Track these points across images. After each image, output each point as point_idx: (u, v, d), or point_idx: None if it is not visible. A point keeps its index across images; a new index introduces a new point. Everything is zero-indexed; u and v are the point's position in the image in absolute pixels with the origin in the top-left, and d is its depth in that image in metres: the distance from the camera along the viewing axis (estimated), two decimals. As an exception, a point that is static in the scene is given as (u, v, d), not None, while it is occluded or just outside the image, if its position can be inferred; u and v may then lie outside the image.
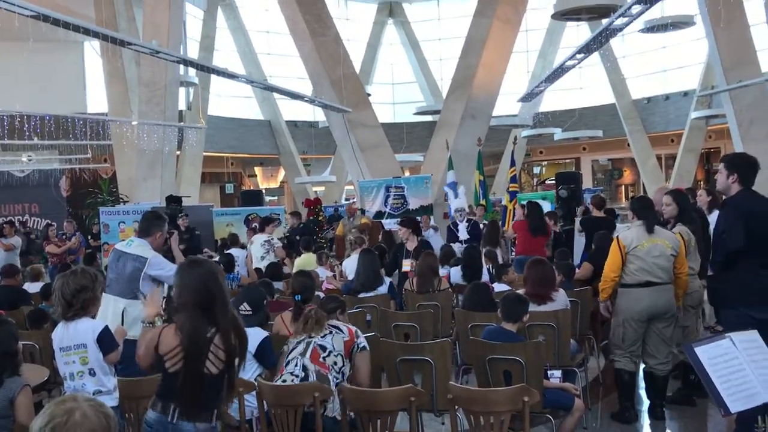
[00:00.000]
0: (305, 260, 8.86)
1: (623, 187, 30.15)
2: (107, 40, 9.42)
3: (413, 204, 13.72)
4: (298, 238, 11.39)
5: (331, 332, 3.97)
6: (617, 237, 5.25)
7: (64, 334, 3.69)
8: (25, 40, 14.33)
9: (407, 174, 19.76)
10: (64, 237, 12.65)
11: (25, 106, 15.64)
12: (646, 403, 5.43)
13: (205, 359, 2.94)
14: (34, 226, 18.26)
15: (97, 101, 21.73)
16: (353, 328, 4.05)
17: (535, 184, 30.37)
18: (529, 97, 17.49)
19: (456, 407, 3.62)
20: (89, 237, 14.19)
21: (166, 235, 5.39)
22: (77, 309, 3.67)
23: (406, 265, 7.93)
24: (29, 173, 19.71)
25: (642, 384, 5.54)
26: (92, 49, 21.55)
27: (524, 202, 10.76)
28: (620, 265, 5.08)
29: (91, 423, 1.84)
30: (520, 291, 5.21)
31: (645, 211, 5.19)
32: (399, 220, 10.04)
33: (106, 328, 3.76)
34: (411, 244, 8.15)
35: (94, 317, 3.83)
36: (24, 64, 19.23)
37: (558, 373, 4.62)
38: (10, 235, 11.43)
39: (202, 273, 3.04)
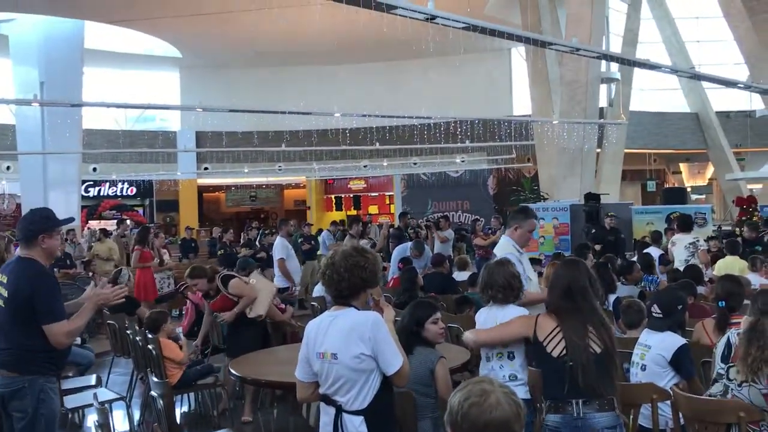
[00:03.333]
0: (727, 264, 7.93)
1: None
2: (529, 42, 9.81)
3: None
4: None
5: None
6: None
7: (487, 316, 3.92)
8: (457, 53, 15.84)
9: None
10: (489, 231, 13.62)
11: (457, 112, 17.27)
12: None
13: (584, 336, 3.11)
14: (465, 221, 20.15)
15: (521, 104, 22.88)
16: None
17: None
18: None
19: None
20: (511, 232, 15.00)
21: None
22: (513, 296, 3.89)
23: None
24: (462, 173, 21.95)
25: None
26: (519, 55, 22.76)
27: None
28: None
29: (503, 410, 1.83)
30: None
31: None
32: None
33: None
34: None
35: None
36: (456, 75, 21.31)
37: None
38: (445, 228, 12.63)
39: (569, 272, 3.38)
